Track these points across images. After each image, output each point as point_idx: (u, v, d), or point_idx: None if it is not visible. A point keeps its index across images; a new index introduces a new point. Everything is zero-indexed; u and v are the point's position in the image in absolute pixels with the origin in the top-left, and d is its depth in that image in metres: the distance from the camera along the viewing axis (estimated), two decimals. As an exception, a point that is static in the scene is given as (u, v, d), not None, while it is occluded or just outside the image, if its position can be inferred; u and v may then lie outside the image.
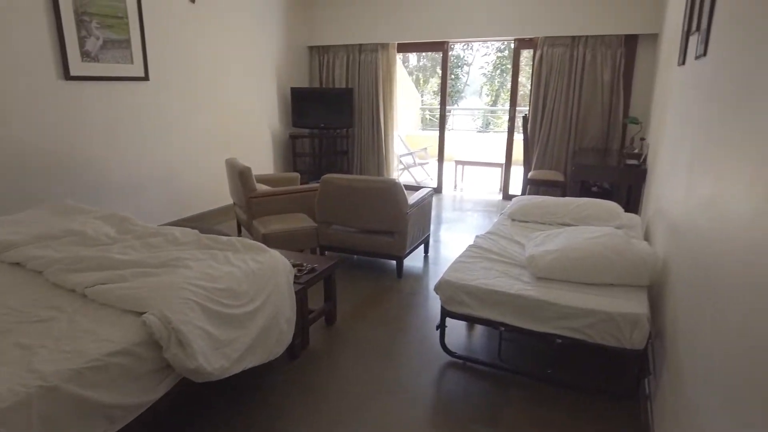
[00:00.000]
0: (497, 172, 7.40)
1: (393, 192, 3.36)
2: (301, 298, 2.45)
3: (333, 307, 2.87)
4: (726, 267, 1.31)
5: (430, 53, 16.24)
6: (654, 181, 3.52)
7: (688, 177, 2.02)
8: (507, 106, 15.46)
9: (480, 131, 13.91)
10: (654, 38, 4.95)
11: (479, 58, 16.64)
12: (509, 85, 15.82)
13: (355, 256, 4.03)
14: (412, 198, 3.64)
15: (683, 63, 2.60)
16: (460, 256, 2.65)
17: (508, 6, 5.41)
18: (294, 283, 2.42)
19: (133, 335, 1.63)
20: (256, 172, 5.66)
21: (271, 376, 2.37)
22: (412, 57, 16.81)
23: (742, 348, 1.06)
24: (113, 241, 2.43)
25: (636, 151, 4.68)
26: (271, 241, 3.64)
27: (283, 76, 6.19)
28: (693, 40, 2.36)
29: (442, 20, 5.74)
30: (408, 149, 7.63)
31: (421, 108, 12.42)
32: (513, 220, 3.41)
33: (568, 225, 3.27)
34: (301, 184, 5.41)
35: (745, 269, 1.12)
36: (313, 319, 2.69)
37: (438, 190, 6.64)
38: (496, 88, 16.04)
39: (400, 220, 3.41)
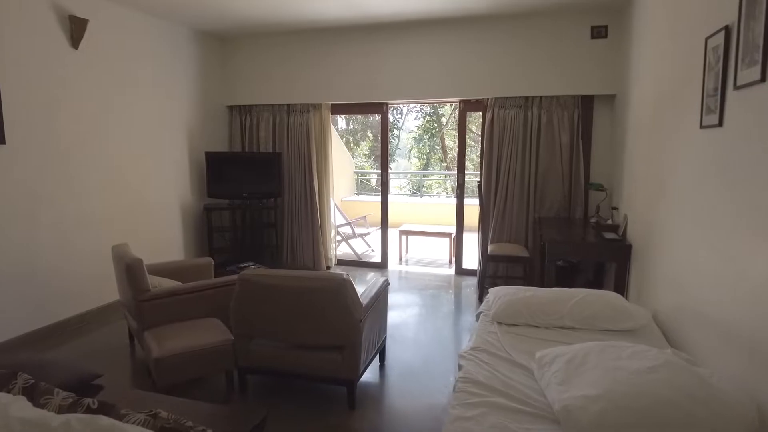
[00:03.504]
0: (444, 242, 6.73)
1: (341, 294, 2.46)
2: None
3: (258, 492, 1.85)
4: None
5: (359, 116, 15.97)
6: (657, 262, 2.91)
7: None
8: (439, 169, 15.17)
9: (412, 195, 13.48)
10: (611, 99, 4.60)
11: (408, 122, 16.59)
12: (439, 149, 15.74)
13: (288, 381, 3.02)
14: (366, 295, 2.75)
15: (720, 124, 2.01)
16: (454, 407, 1.77)
17: (453, 66, 4.91)
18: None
19: None
20: (162, 254, 4.57)
21: None
22: (341, 120, 16.44)
23: None
24: None
25: (609, 221, 4.16)
26: (167, 367, 2.58)
27: (195, 139, 5.23)
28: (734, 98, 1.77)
29: (382, 80, 5.15)
30: (345, 218, 6.81)
31: (354, 172, 11.80)
32: (499, 323, 2.61)
33: (570, 328, 2.54)
34: (219, 265, 4.41)
35: None
36: None
37: (383, 264, 5.80)
38: (427, 151, 15.90)
39: (351, 332, 2.50)
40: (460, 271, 5.51)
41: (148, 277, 3.02)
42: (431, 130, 15.29)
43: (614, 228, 3.94)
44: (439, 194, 14.65)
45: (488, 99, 4.86)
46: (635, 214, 3.58)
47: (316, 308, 2.48)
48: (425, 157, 16.06)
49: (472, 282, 5.21)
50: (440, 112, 14.94)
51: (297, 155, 5.47)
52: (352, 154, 16.15)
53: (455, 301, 4.67)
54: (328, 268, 5.69)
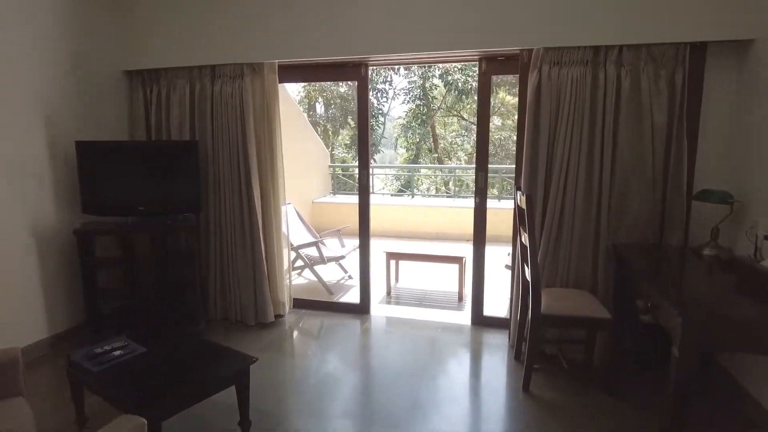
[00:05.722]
0: (451, 267, 4.88)
1: None
2: None
3: None
4: None
5: (338, 100, 13.96)
6: None
7: None
8: (429, 161, 13.24)
9: (397, 193, 11.62)
10: (739, 49, 2.76)
11: (395, 109, 14.59)
12: (431, 137, 13.82)
13: None
14: None
15: None
16: None
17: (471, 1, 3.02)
18: None
19: None
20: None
21: None
22: (319, 105, 14.41)
23: None
24: None
25: (764, 262, 2.31)
26: None
27: (66, 125, 3.26)
28: None
29: (357, 26, 3.23)
30: (313, 235, 4.89)
31: (330, 165, 9.85)
32: None
33: None
34: (86, 331, 2.61)
35: None
36: None
37: (363, 306, 3.92)
38: (417, 140, 13.92)
39: None
40: (480, 320, 3.65)
41: None
42: (422, 115, 13.33)
43: (790, 277, 2.10)
44: (428, 189, 12.81)
45: (531, 52, 2.98)
46: None
47: None
48: (414, 147, 14.10)
49: (501, 341, 3.36)
50: (432, 95, 13.00)
51: (227, 143, 3.53)
52: (332, 145, 14.20)
53: (475, 391, 2.81)
54: (280, 316, 3.78)
